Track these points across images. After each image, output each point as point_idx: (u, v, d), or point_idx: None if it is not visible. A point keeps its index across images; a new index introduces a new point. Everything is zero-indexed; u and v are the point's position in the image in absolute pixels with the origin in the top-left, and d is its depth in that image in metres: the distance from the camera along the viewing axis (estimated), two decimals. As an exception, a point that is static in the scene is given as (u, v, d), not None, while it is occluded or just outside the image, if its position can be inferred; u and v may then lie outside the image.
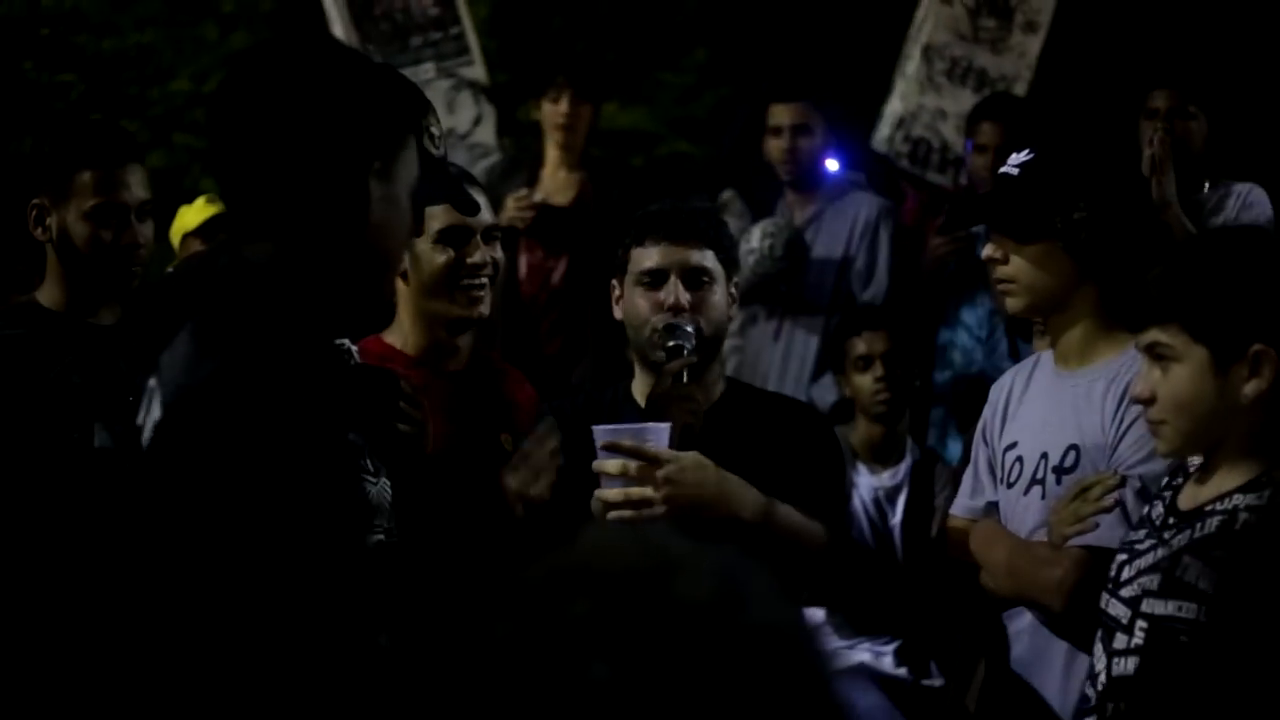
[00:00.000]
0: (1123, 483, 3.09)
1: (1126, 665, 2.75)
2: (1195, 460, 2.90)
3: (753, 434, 3.40)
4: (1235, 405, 2.75)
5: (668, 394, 3.32)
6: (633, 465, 3.17)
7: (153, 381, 2.21)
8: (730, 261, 3.49)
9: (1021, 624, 3.29)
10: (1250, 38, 7.78)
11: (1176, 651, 2.68)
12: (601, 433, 3.22)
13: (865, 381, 5.26)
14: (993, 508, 3.41)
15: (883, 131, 6.76)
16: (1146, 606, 2.75)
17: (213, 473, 2.05)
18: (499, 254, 3.53)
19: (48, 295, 3.75)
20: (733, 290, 3.47)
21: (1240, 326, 2.72)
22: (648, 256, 3.42)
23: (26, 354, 3.55)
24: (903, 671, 5.07)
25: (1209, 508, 2.77)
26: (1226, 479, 2.79)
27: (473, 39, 6.86)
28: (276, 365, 2.11)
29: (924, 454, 5.30)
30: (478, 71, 6.85)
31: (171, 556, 2.08)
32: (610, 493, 3.19)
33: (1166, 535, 2.81)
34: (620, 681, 1.13)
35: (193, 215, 6.06)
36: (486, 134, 6.84)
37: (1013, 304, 3.32)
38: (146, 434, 2.17)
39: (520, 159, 6.65)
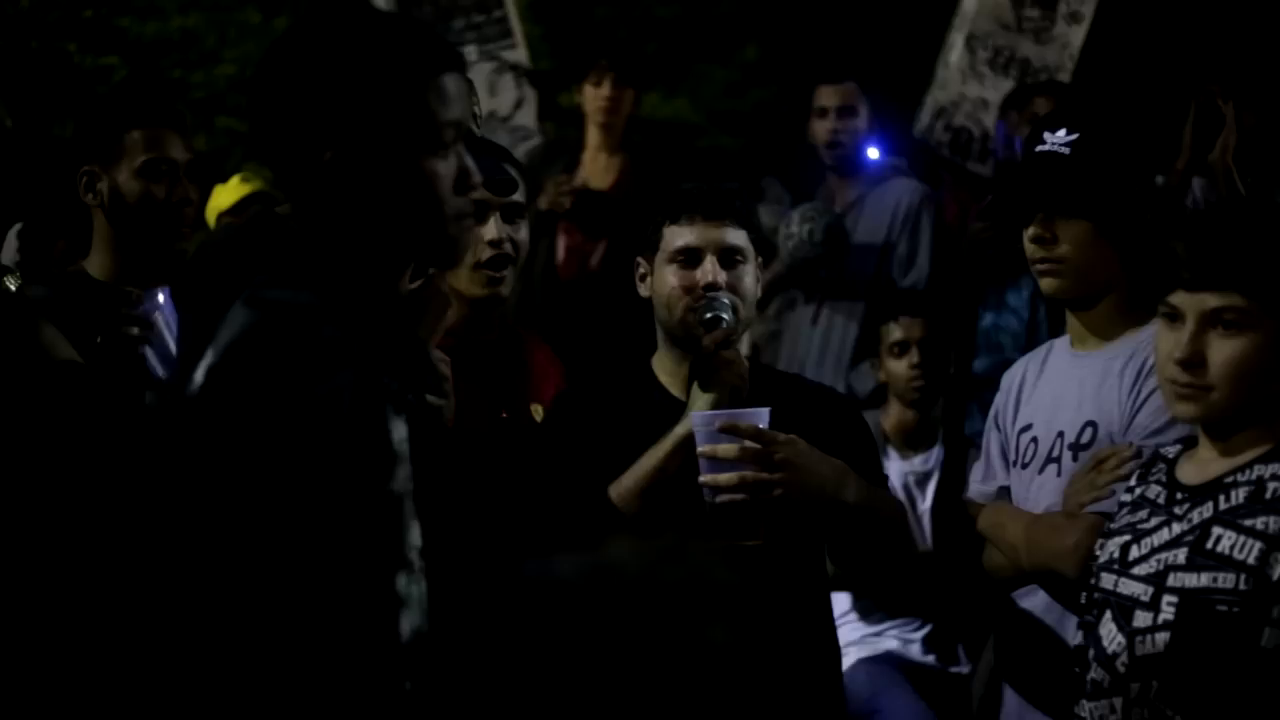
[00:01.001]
0: (1139, 454, 3.05)
1: (1155, 642, 2.72)
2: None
3: (780, 415, 3.38)
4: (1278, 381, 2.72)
5: (713, 360, 3.29)
6: (749, 447, 3.12)
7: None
8: (760, 242, 3.47)
9: (1030, 604, 3.26)
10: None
11: (1215, 621, 2.65)
12: (708, 417, 3.17)
13: (900, 367, 5.25)
14: (1004, 493, 3.37)
15: (923, 120, 6.74)
16: (1174, 581, 2.71)
17: (238, 423, 2.09)
18: (522, 234, 3.50)
19: (96, 265, 3.80)
20: (759, 273, 3.45)
21: None
22: (682, 235, 3.38)
23: (69, 319, 3.56)
24: (931, 659, 5.05)
25: (1228, 479, 2.74)
26: (1237, 451, 2.76)
27: (515, 22, 6.85)
28: (308, 316, 2.13)
29: (957, 440, 5.27)
30: (520, 54, 6.84)
31: (195, 509, 2.10)
32: (724, 477, 3.13)
33: (1179, 510, 2.78)
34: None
35: (227, 195, 6.09)
36: (528, 117, 6.82)
37: (1057, 285, 3.24)
38: (196, 380, 2.18)
39: (561, 143, 6.64)
